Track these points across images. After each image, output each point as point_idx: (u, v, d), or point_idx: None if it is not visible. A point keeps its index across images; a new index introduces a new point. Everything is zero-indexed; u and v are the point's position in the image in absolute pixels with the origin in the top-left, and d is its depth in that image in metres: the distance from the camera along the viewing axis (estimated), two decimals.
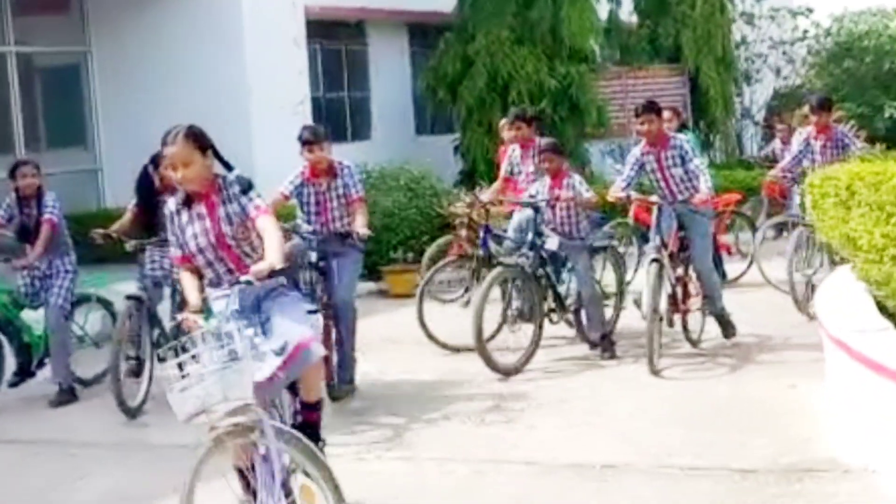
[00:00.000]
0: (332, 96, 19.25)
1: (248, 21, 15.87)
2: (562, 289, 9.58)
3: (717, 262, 11.52)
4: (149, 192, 8.86)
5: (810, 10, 23.63)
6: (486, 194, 11.01)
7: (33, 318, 9.23)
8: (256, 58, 15.92)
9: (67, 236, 9.36)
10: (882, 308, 6.64)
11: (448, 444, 7.27)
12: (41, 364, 9.26)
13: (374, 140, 19.63)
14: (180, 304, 7.92)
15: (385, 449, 7.21)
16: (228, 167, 5.46)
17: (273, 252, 5.21)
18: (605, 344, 9.42)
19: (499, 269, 9.15)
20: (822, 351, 7.39)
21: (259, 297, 5.44)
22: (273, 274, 5.22)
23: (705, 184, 9.03)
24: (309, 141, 8.66)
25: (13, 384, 9.16)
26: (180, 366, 4.98)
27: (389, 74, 20.34)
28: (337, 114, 19.14)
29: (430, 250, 13.20)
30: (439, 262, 13.14)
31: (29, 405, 9.03)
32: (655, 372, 8.63)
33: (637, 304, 9.19)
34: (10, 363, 9.18)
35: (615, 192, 9.34)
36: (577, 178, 9.69)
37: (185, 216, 5.46)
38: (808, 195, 8.62)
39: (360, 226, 8.49)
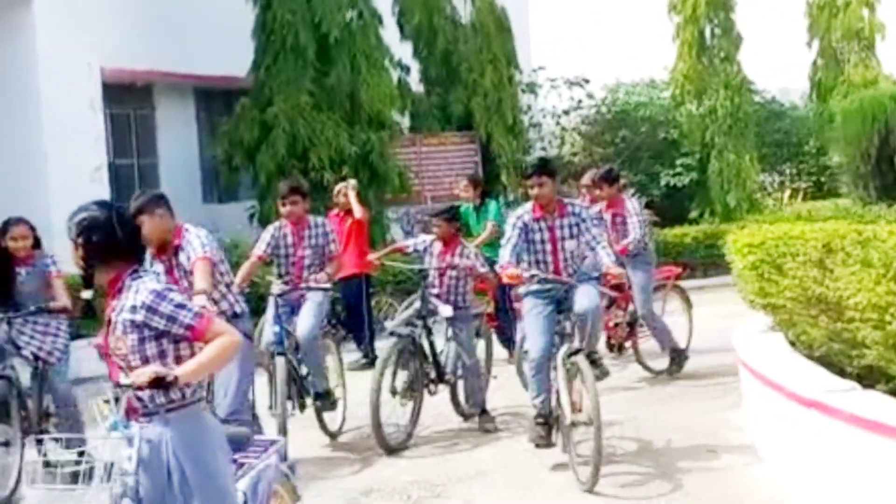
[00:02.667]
0: (121, 162, 18.39)
1: (43, 81, 14.93)
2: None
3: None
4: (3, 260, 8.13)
5: (587, 81, 24.28)
6: (372, 255, 10.91)
7: None
8: (52, 121, 15.00)
9: None
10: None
11: None
12: None
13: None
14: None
15: None
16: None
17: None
18: (485, 416, 9.16)
19: (395, 339, 8.76)
20: None
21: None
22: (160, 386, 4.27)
23: (608, 257, 7.93)
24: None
25: None
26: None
27: (177, 140, 19.65)
28: (127, 181, 18.29)
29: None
30: None
31: None
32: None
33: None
34: None
35: (510, 271, 7.71)
36: (470, 246, 9.45)
37: None
38: (735, 258, 8.30)
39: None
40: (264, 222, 18.01)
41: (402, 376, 8.86)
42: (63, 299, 8.09)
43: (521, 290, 8.02)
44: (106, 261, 4.42)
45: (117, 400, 4.37)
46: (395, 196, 19.05)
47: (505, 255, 7.89)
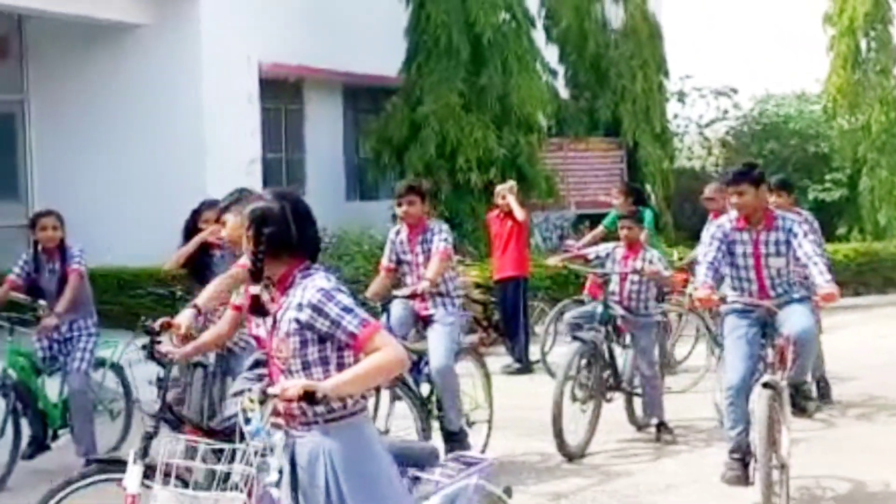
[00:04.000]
0: (271, 157, 18.49)
1: (206, 74, 15.03)
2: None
3: None
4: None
5: (735, 91, 23.87)
6: (553, 259, 10.71)
7: (48, 386, 8.31)
8: (213, 113, 15.10)
9: (91, 294, 8.48)
10: None
11: None
12: (55, 436, 8.31)
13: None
14: None
15: None
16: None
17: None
18: (664, 427, 8.93)
19: (578, 344, 8.57)
20: None
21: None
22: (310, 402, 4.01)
23: (821, 276, 6.78)
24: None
25: (28, 456, 8.18)
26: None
27: (324, 137, 19.72)
28: (275, 175, 18.38)
29: None
30: None
31: (44, 479, 8.02)
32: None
33: None
34: (27, 433, 8.21)
35: (702, 293, 6.93)
36: (653, 251, 9.23)
37: None
38: None
39: None
40: None
41: (584, 382, 8.65)
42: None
43: (723, 308, 7.23)
44: (276, 255, 4.18)
45: (262, 403, 4.10)
46: (541, 201, 18.85)
47: (701, 273, 7.09)
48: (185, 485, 4.53)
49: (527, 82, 18.34)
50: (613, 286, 8.98)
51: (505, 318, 13.15)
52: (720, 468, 7.07)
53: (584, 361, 8.61)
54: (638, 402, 9.14)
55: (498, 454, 8.49)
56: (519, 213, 12.65)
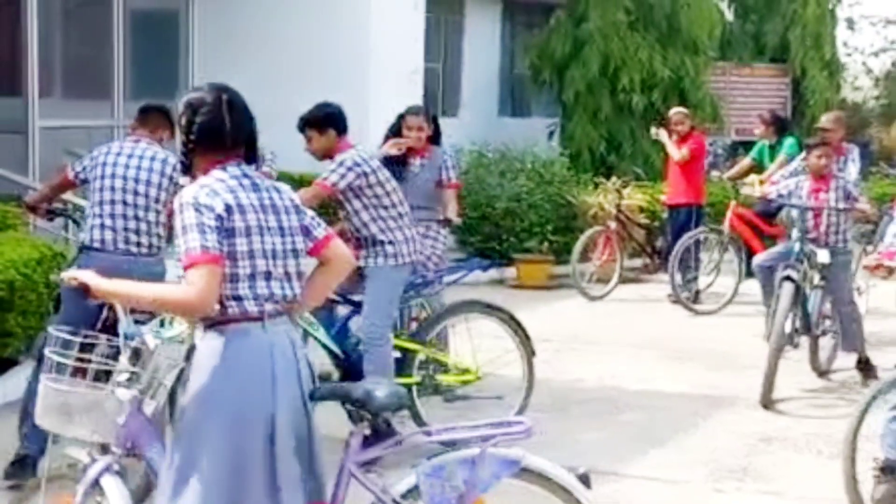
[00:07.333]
0: (429, 66, 18.14)
1: None
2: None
3: None
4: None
5: None
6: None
7: None
8: (379, 18, 14.80)
9: None
10: None
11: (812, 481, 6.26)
12: None
13: (460, 118, 18.57)
14: None
15: (738, 480, 6.23)
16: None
17: None
18: (868, 367, 8.46)
19: (789, 284, 8.09)
20: None
21: None
22: None
23: None
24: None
25: None
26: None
27: (481, 50, 19.30)
28: (432, 84, 18.06)
29: (581, 242, 12.33)
30: (588, 254, 12.40)
31: None
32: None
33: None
34: None
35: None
36: (846, 176, 8.70)
37: None
38: None
39: None
40: (567, 140, 17.59)
41: (796, 326, 8.19)
42: None
43: None
44: (208, 147, 3.86)
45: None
46: (701, 126, 18.22)
47: (889, 233, 6.05)
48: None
49: (696, 2, 17.70)
50: (802, 223, 8.41)
51: (673, 245, 12.70)
52: None
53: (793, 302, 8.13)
54: (824, 346, 8.68)
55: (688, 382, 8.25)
56: (674, 153, 12.17)
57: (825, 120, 10.35)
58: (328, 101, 6.85)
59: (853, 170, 9.97)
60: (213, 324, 3.79)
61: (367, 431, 3.89)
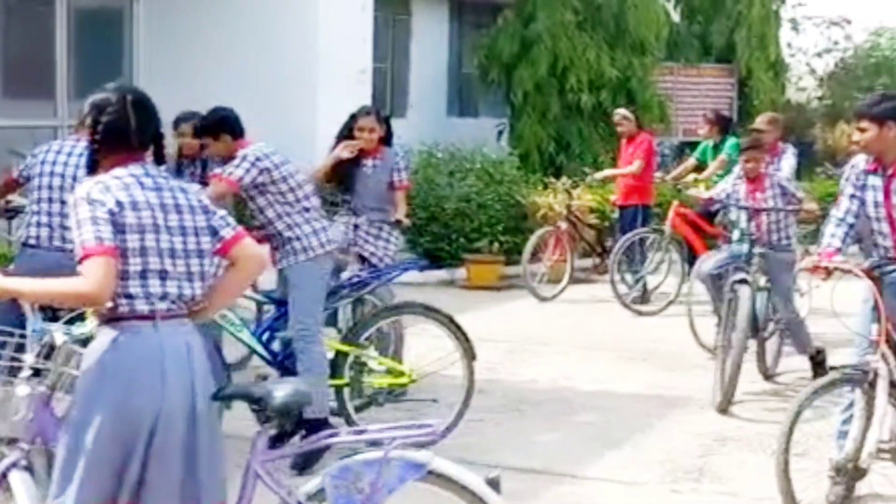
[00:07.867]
0: (376, 66, 18.05)
1: None
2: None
3: None
4: None
5: (848, 22, 23.08)
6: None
7: None
8: (328, 20, 14.70)
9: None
10: None
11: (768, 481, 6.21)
12: None
13: (408, 119, 18.50)
14: None
15: (694, 480, 6.22)
16: None
17: None
18: (821, 367, 8.44)
19: (746, 289, 8.02)
20: None
21: None
22: None
23: None
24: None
25: None
26: None
27: (428, 50, 19.24)
28: (380, 84, 17.96)
29: (531, 242, 12.32)
30: (538, 254, 12.40)
31: None
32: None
33: None
34: None
35: (827, 262, 5.62)
36: (779, 175, 8.72)
37: None
38: None
39: None
40: (516, 140, 17.58)
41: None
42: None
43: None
44: (113, 146, 3.89)
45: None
46: (649, 127, 18.30)
47: (827, 234, 5.88)
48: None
49: (643, 3, 17.75)
50: (747, 224, 8.36)
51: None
52: None
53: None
54: (769, 349, 8.69)
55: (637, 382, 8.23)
56: (630, 170, 12.24)
57: (759, 121, 10.51)
58: (222, 106, 6.73)
59: (786, 166, 10.08)
60: (106, 320, 3.79)
61: (273, 432, 3.89)
